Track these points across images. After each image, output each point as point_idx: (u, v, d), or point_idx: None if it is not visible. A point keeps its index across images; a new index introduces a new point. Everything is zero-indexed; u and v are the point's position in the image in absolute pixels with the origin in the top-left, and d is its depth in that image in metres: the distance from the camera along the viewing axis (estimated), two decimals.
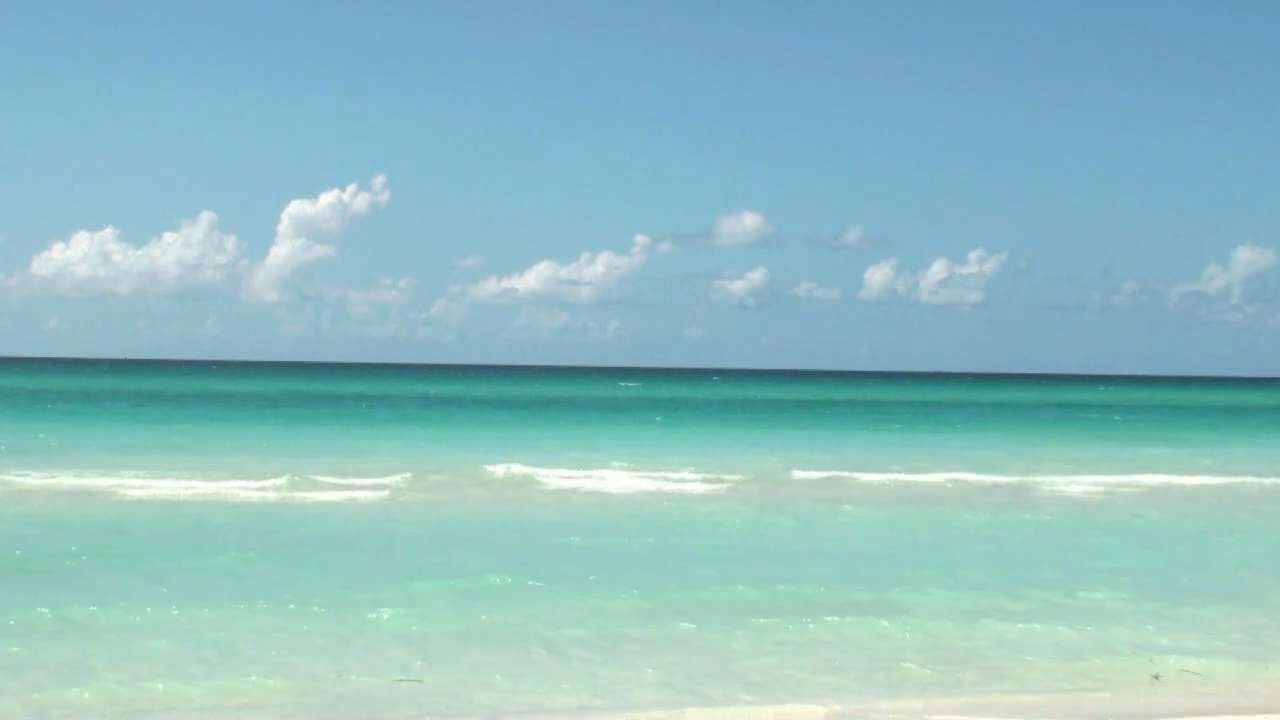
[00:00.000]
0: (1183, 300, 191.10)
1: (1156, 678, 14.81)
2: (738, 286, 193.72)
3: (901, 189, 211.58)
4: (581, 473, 35.94)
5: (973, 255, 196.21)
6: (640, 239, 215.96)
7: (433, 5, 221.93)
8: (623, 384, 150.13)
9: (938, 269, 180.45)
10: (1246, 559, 24.06)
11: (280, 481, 32.06)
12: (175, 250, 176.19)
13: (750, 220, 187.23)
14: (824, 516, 28.75)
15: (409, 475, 33.98)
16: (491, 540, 24.83)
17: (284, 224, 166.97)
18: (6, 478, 32.23)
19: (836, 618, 17.56)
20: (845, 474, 36.86)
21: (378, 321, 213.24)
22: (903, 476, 36.70)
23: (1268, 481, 38.01)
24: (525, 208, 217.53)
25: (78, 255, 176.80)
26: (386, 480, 33.08)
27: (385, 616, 17.20)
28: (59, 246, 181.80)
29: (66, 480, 32.02)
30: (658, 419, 71.40)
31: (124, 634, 16.15)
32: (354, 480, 32.95)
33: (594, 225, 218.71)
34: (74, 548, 22.39)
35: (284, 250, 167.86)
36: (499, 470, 35.51)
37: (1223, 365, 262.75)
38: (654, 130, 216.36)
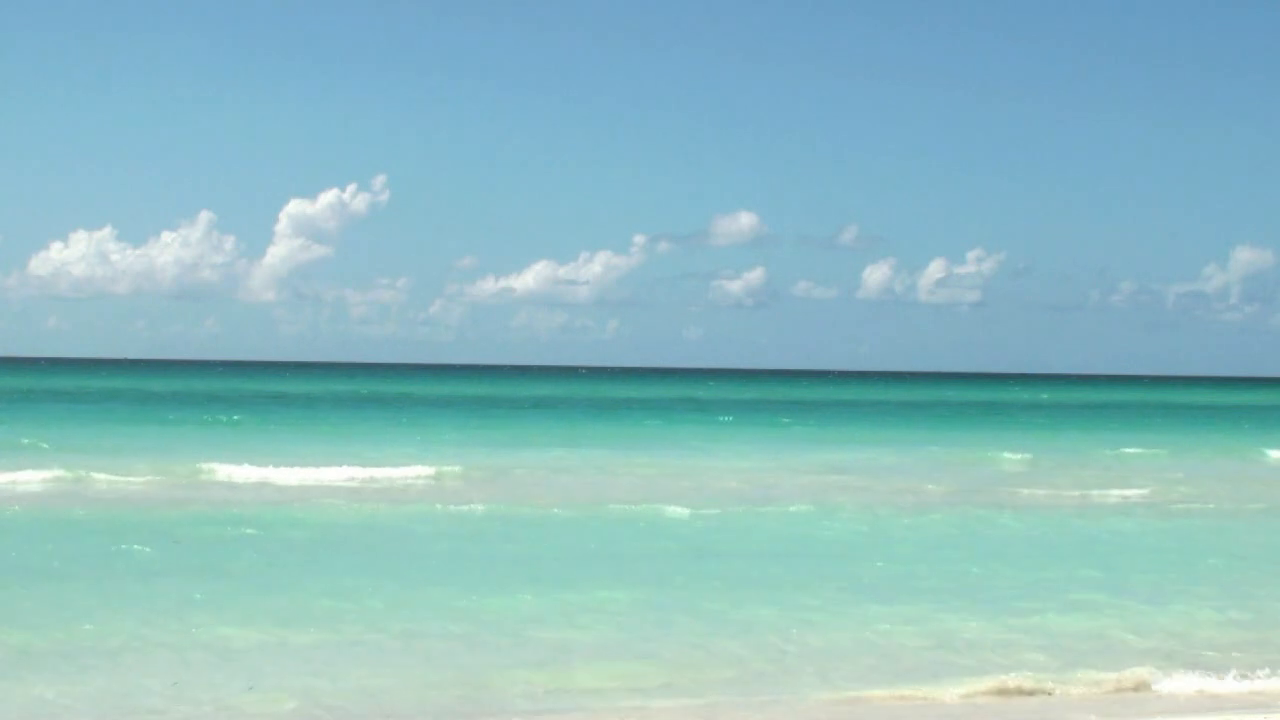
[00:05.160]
0: (1181, 300, 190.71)
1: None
2: (735, 286, 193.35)
3: (898, 189, 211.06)
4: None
5: (971, 255, 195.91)
6: (638, 239, 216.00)
7: (432, 5, 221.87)
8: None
9: (935, 269, 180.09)
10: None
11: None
12: (173, 250, 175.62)
13: (746, 220, 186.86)
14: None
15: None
16: None
17: (282, 224, 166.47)
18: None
19: None
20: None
21: (376, 321, 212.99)
22: None
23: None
24: (523, 207, 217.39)
25: (76, 255, 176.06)
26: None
27: None
28: (57, 246, 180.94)
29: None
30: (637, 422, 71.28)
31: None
32: None
33: (592, 225, 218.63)
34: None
35: (282, 250, 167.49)
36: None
37: (1221, 365, 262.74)
38: (650, 130, 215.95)
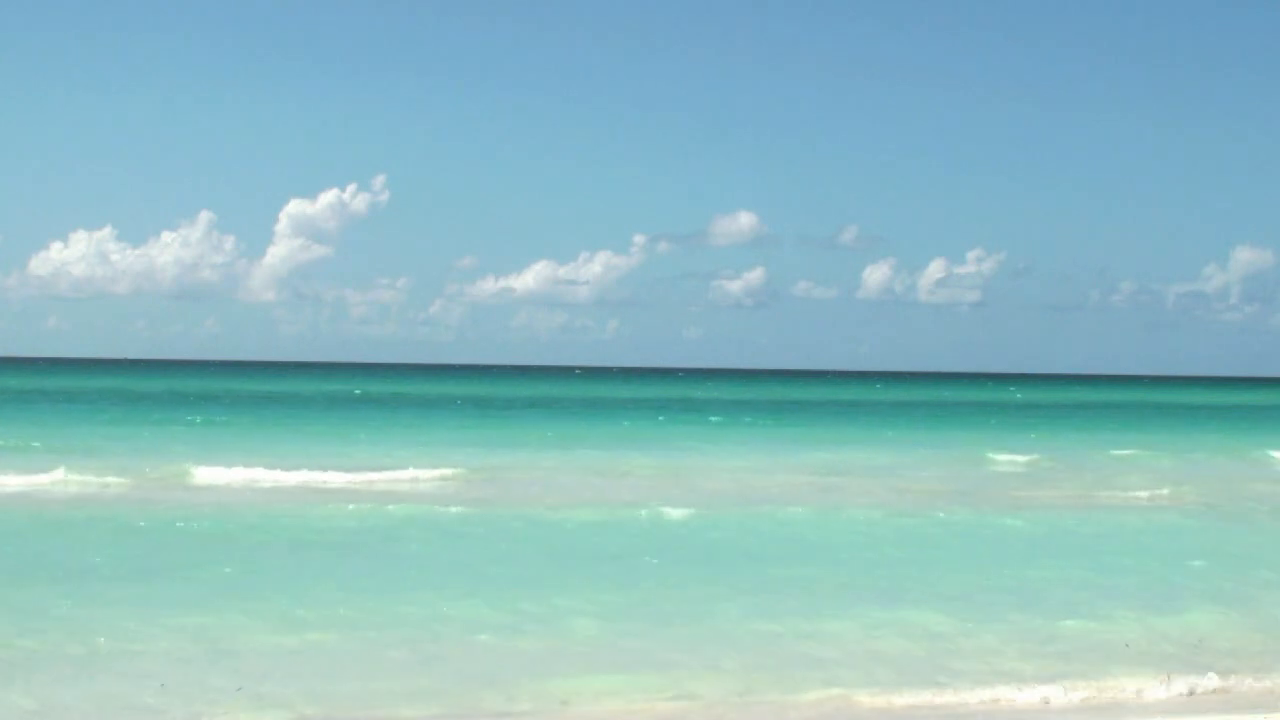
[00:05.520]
0: (1181, 300, 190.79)
1: None
2: (735, 286, 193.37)
3: (898, 189, 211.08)
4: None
5: (971, 255, 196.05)
6: (638, 239, 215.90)
7: (432, 5, 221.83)
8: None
9: (935, 269, 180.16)
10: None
11: None
12: (173, 250, 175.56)
13: (746, 220, 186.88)
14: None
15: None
16: None
17: (282, 224, 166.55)
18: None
19: None
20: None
21: (376, 321, 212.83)
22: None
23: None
24: (523, 207, 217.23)
25: (76, 255, 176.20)
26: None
27: None
28: (57, 246, 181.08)
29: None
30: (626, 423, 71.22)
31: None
32: None
33: (592, 225, 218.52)
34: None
35: (281, 250, 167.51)
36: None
37: (1221, 365, 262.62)
38: (650, 130, 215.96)
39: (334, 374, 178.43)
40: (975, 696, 14.07)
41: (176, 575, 20.22)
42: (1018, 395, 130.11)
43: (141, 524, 25.74)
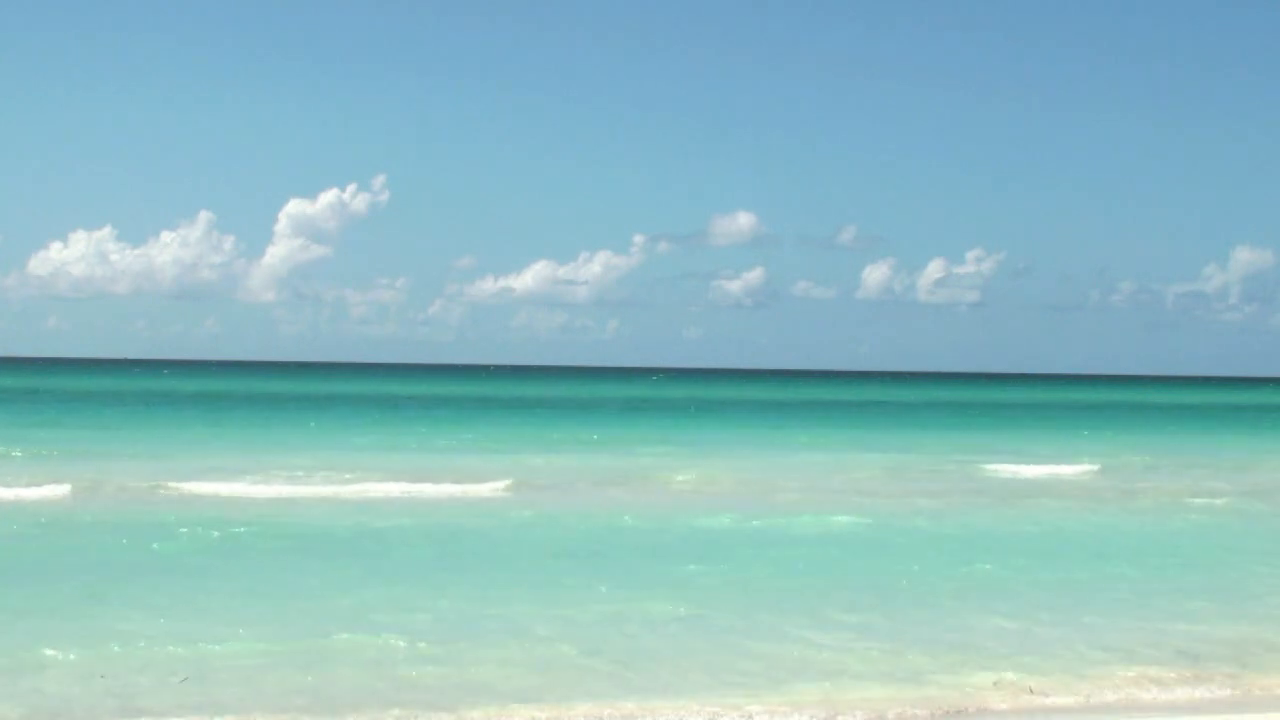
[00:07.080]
0: (1180, 300, 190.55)
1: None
2: (735, 286, 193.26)
3: (898, 189, 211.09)
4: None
5: (970, 255, 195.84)
6: (638, 239, 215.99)
7: (432, 5, 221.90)
8: None
9: (935, 268, 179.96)
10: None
11: None
12: (173, 250, 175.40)
13: (746, 220, 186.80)
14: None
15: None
16: None
17: (282, 224, 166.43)
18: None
19: None
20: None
21: (376, 321, 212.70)
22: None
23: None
24: (523, 207, 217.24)
25: (75, 255, 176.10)
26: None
27: None
28: (57, 246, 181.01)
29: None
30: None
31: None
32: None
33: (592, 225, 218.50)
34: None
35: (281, 250, 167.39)
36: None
37: (1221, 365, 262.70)
38: (650, 130, 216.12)
39: (336, 374, 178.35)
40: (969, 698, 13.74)
41: (146, 579, 19.81)
42: (1023, 395, 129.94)
43: (122, 528, 25.41)
